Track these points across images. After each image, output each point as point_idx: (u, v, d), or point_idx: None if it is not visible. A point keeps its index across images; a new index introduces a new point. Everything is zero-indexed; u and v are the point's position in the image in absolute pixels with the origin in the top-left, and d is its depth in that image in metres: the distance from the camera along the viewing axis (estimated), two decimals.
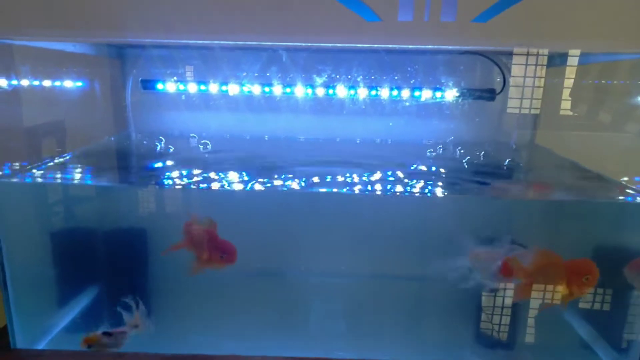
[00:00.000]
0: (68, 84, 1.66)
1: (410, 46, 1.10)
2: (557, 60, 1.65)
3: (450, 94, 1.68)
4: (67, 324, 1.47)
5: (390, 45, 1.11)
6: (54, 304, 1.51)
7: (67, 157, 1.62)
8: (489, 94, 1.69)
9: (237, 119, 1.76)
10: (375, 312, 1.51)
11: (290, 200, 1.51)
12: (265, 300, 1.55)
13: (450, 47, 1.16)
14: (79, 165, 1.61)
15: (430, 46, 1.11)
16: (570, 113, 1.70)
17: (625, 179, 1.48)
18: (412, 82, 1.65)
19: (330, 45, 1.12)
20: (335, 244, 1.55)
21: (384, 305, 1.53)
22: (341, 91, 1.65)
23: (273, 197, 1.49)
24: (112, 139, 1.80)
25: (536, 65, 1.68)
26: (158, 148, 1.73)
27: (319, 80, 1.57)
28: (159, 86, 1.70)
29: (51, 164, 1.54)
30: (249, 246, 1.61)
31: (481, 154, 1.75)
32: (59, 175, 1.50)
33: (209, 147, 1.74)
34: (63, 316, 1.48)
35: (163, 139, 1.77)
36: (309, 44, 1.14)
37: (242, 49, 1.65)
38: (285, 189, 1.36)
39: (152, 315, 1.59)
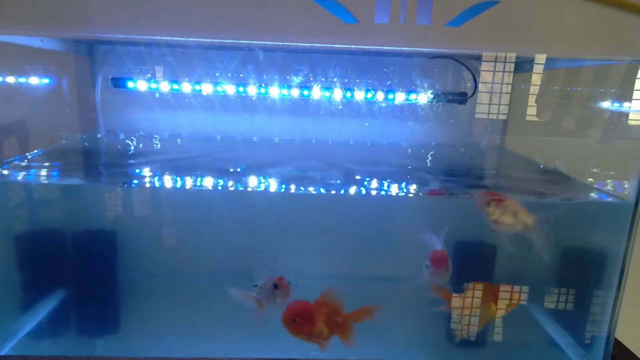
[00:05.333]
0: (34, 80, 1.60)
1: (387, 48, 1.11)
2: (525, 66, 1.71)
3: (423, 97, 1.71)
4: (31, 329, 1.41)
5: (366, 47, 1.12)
6: (17, 309, 1.45)
7: (28, 157, 1.56)
8: (461, 98, 1.73)
9: (211, 119, 1.73)
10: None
11: (261, 202, 1.50)
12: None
13: (425, 50, 1.18)
14: (37, 165, 1.55)
15: (405, 48, 1.13)
16: (536, 119, 1.76)
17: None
18: (387, 84, 1.67)
19: (307, 45, 1.12)
20: (308, 245, 1.55)
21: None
22: (317, 92, 1.66)
23: (243, 199, 1.48)
24: (78, 137, 1.74)
25: (504, 71, 1.74)
26: (131, 148, 1.70)
27: (295, 81, 1.57)
28: (130, 84, 1.66)
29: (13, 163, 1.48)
30: (222, 248, 1.60)
31: (439, 156, 1.79)
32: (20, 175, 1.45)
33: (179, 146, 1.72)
34: (27, 322, 1.42)
35: (134, 138, 1.74)
36: (286, 44, 1.14)
37: (217, 48, 1.63)
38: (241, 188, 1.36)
39: (123, 318, 1.55)
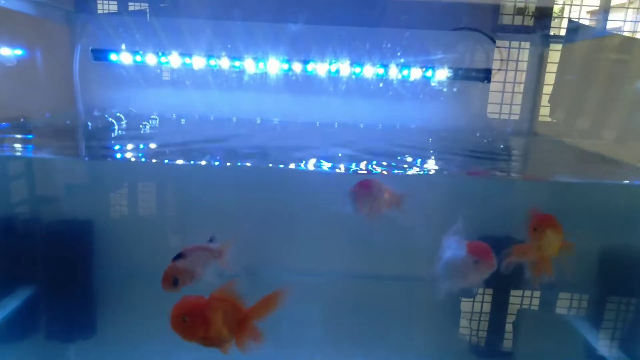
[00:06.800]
0: (4, 51, 1.42)
1: None
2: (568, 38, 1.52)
3: (442, 74, 1.51)
4: None
5: None
6: None
7: None
8: (484, 75, 1.53)
9: (203, 96, 1.54)
10: (355, 315, 1.33)
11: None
12: None
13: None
14: None
15: None
16: (549, 119, 1.59)
17: None
18: (401, 59, 1.49)
19: None
20: (310, 241, 1.36)
21: (364, 307, 1.35)
22: (322, 69, 1.48)
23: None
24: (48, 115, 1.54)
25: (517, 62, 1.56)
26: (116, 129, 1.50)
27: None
28: (113, 57, 1.48)
29: None
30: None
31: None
32: None
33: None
34: None
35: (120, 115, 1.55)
36: None
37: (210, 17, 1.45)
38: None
39: (98, 323, 1.37)
